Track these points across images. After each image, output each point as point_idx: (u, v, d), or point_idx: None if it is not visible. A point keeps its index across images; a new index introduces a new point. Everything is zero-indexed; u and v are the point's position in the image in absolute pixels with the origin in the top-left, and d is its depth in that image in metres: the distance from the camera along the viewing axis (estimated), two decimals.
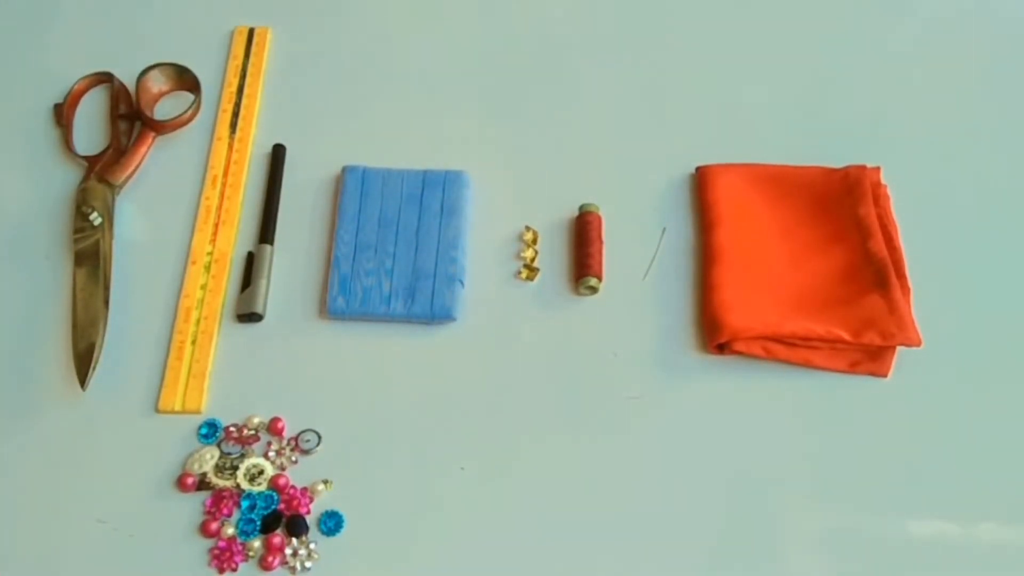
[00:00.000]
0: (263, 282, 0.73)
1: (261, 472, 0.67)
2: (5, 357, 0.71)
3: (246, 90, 0.82)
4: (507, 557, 0.64)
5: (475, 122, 0.81)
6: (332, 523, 0.65)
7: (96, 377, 0.69)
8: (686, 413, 0.69)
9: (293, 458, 0.68)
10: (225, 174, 0.79)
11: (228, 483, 0.67)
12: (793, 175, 0.77)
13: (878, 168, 0.77)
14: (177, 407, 0.69)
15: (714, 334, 0.70)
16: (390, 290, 0.72)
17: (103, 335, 0.70)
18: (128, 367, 0.70)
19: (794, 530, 0.65)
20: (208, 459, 0.67)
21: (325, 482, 0.67)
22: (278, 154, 0.79)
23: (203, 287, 0.74)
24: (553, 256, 0.75)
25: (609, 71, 0.84)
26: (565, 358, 0.71)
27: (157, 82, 0.82)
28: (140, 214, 0.77)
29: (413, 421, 0.69)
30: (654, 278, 0.74)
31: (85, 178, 0.77)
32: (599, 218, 0.75)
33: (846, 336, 0.69)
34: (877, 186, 0.76)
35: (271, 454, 0.68)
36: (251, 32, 0.85)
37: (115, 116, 0.80)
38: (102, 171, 0.77)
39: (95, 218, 0.75)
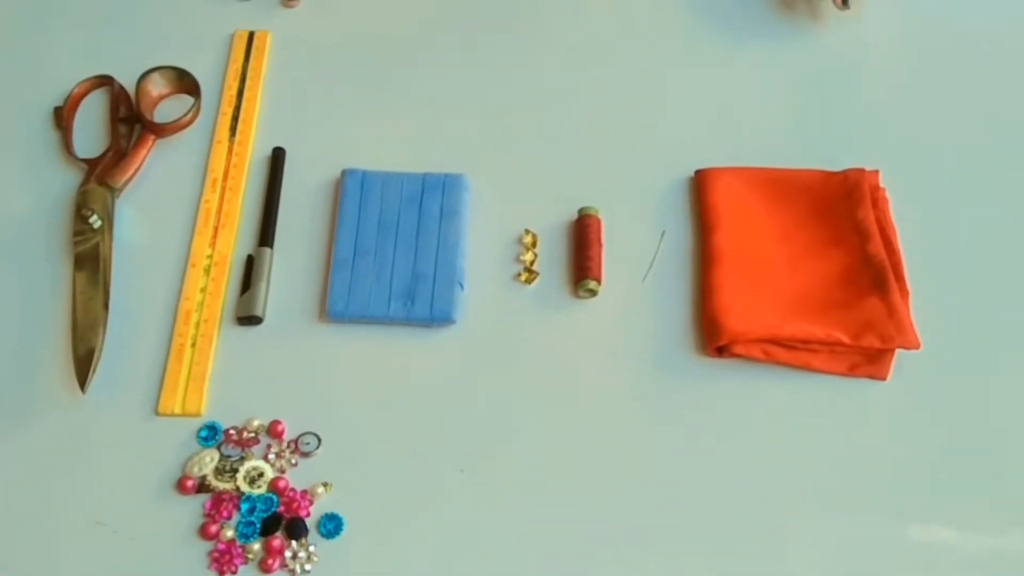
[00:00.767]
0: (263, 285, 0.73)
1: (261, 475, 0.67)
2: (5, 360, 0.71)
3: (246, 93, 0.83)
4: (507, 559, 0.64)
5: (474, 125, 0.82)
6: (332, 526, 0.65)
7: (96, 380, 0.69)
8: (685, 416, 0.69)
9: (293, 461, 0.68)
10: (225, 177, 0.79)
11: (228, 486, 0.67)
12: (792, 178, 0.77)
13: (877, 171, 0.77)
14: (177, 410, 0.69)
15: (713, 337, 0.70)
16: (390, 293, 0.72)
17: (103, 338, 0.70)
18: (128, 370, 0.71)
19: (793, 533, 0.65)
20: (208, 462, 0.67)
21: (325, 485, 0.67)
22: (278, 157, 0.79)
23: (203, 290, 0.74)
24: (552, 259, 0.75)
25: (609, 73, 0.84)
26: (564, 361, 0.71)
27: (157, 85, 0.82)
28: (140, 217, 0.78)
29: (413, 423, 0.69)
30: (653, 281, 0.74)
31: (85, 181, 0.77)
32: (598, 221, 0.75)
33: (845, 339, 0.69)
34: (876, 189, 0.76)
35: (271, 457, 0.68)
36: (251, 35, 0.86)
37: (115, 119, 0.80)
38: (102, 174, 0.77)
39: (95, 221, 0.75)
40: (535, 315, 0.73)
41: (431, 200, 0.76)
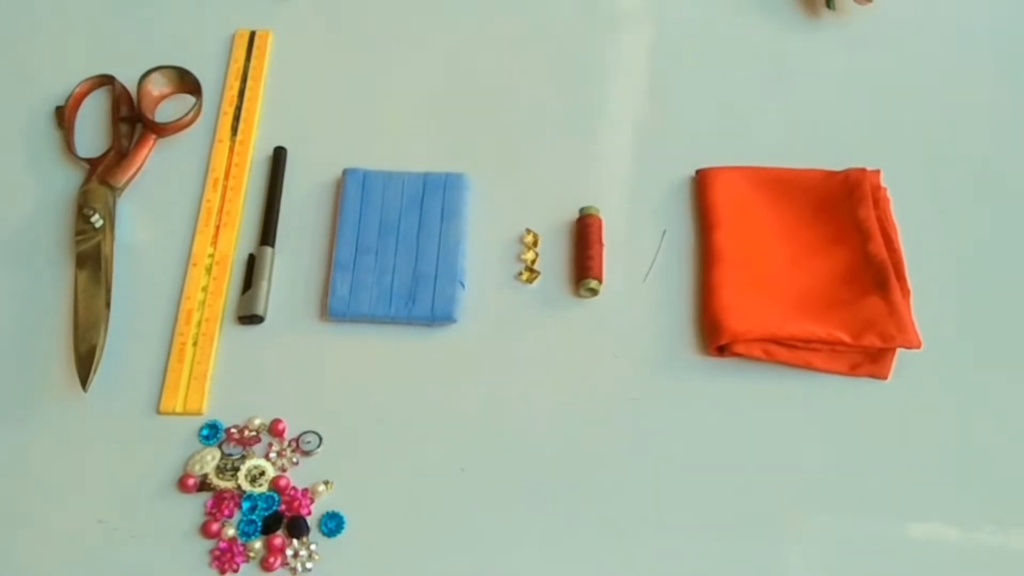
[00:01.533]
0: (264, 284, 0.73)
1: (262, 473, 0.67)
2: (7, 359, 0.71)
3: (247, 93, 0.83)
4: (507, 557, 0.64)
5: (476, 125, 0.82)
6: (333, 524, 0.65)
7: (97, 379, 0.69)
8: (686, 415, 0.69)
9: (294, 459, 0.68)
10: (226, 176, 0.79)
11: (229, 484, 0.67)
12: (793, 177, 0.78)
13: (878, 171, 0.77)
14: (178, 408, 0.69)
15: (714, 336, 0.70)
16: (391, 292, 0.72)
17: (104, 337, 0.70)
18: (129, 369, 0.71)
19: (793, 532, 0.65)
20: (209, 460, 0.67)
21: (326, 483, 0.67)
22: (279, 157, 0.79)
23: (204, 289, 0.74)
24: (554, 258, 0.75)
25: (609, 73, 0.84)
26: (565, 360, 0.71)
27: (158, 85, 0.82)
28: (141, 216, 0.78)
29: (414, 422, 0.69)
30: (654, 280, 0.74)
31: (86, 180, 0.77)
32: (599, 220, 0.75)
33: (846, 338, 0.69)
34: (877, 189, 0.76)
35: (272, 455, 0.68)
36: (252, 35, 0.86)
37: (116, 119, 0.81)
38: (103, 173, 0.77)
39: (96, 220, 0.75)
40: (536, 314, 0.73)
41: (432, 199, 0.76)
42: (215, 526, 0.65)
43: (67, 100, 0.81)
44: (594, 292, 0.73)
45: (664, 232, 0.76)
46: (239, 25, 0.86)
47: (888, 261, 0.72)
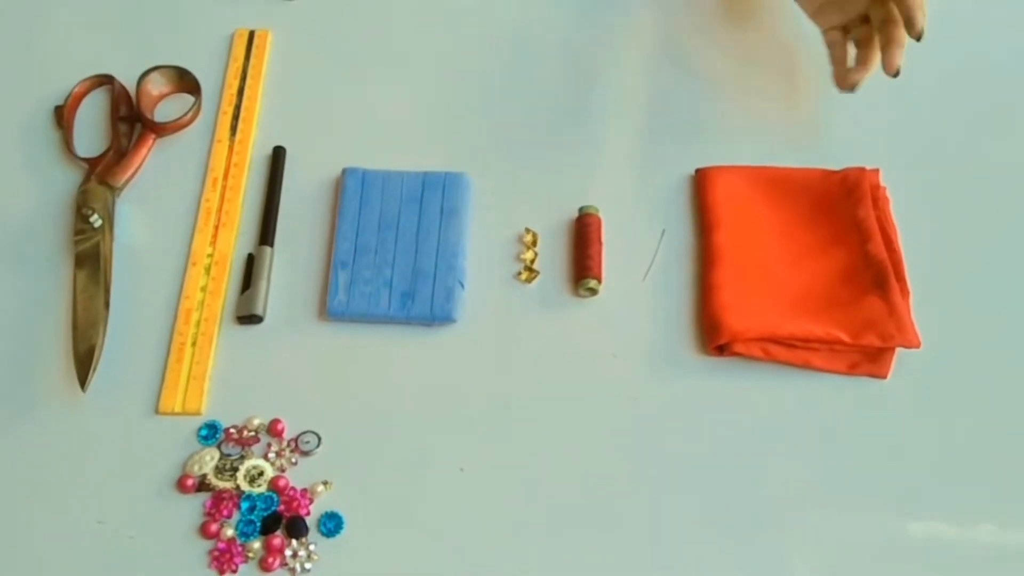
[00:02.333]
0: (263, 284, 0.73)
1: (261, 473, 0.67)
2: (5, 359, 0.71)
3: (246, 92, 0.83)
4: (507, 557, 0.65)
5: (475, 124, 0.82)
6: (332, 524, 0.65)
7: (96, 379, 0.69)
8: (686, 414, 0.69)
9: (293, 459, 0.68)
10: (225, 176, 0.79)
11: (228, 484, 0.67)
12: (792, 177, 0.77)
13: (877, 170, 0.77)
14: (177, 408, 0.69)
15: (714, 336, 0.70)
16: (390, 292, 0.72)
17: (103, 337, 0.70)
18: (128, 369, 0.71)
19: (793, 531, 0.65)
20: (208, 460, 0.67)
21: (325, 483, 0.67)
22: (278, 156, 0.79)
23: (203, 289, 0.74)
24: (553, 258, 0.75)
25: (609, 72, 0.84)
26: (565, 359, 0.71)
27: (157, 84, 0.82)
28: (140, 216, 0.78)
29: (413, 422, 0.69)
30: (653, 280, 0.74)
31: (85, 180, 0.77)
32: (599, 220, 0.75)
33: (845, 338, 0.69)
34: (876, 188, 0.76)
35: (271, 455, 0.68)
36: (251, 34, 0.86)
37: (115, 118, 0.80)
38: (102, 173, 0.77)
39: (95, 220, 0.75)
40: (535, 314, 0.73)
41: (431, 199, 0.76)
42: (214, 526, 0.65)
43: (66, 100, 0.81)
44: (593, 292, 0.73)
45: (663, 231, 0.76)
46: (238, 24, 0.86)
47: (887, 261, 0.72)
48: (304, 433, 0.69)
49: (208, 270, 0.75)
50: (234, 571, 0.64)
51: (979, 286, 0.74)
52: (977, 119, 0.82)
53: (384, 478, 0.67)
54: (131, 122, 0.81)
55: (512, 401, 0.70)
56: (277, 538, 0.65)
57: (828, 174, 0.77)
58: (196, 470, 0.67)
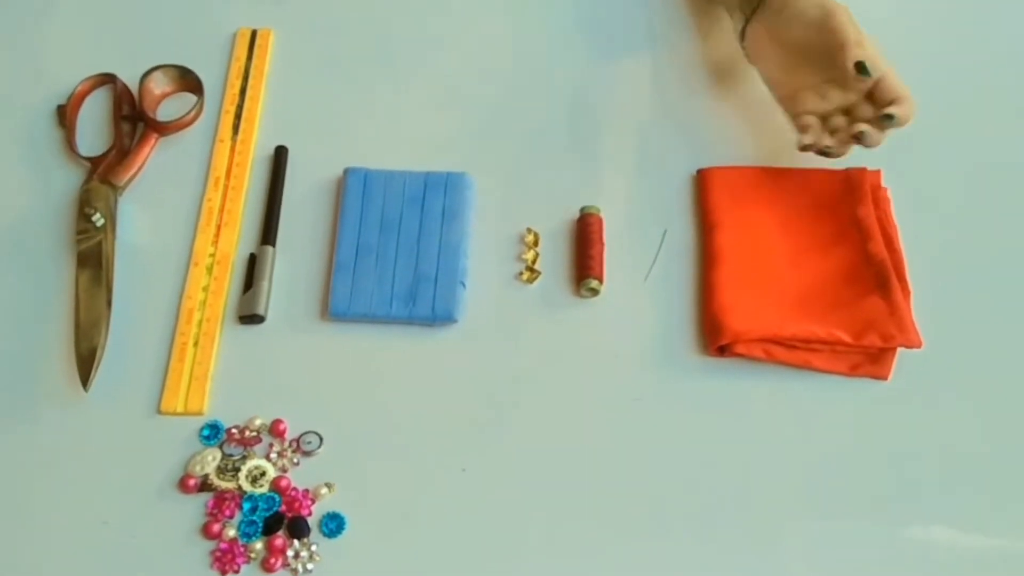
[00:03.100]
0: (265, 284, 0.73)
1: (263, 474, 0.67)
2: (7, 358, 0.72)
3: (248, 92, 0.83)
4: (508, 557, 0.65)
5: (477, 124, 0.82)
6: (334, 525, 0.65)
7: (98, 378, 0.69)
8: (687, 415, 0.69)
9: (295, 460, 0.68)
10: (227, 176, 0.79)
11: (230, 485, 0.67)
12: (793, 177, 0.77)
13: (878, 170, 0.77)
14: (179, 409, 0.69)
15: (715, 336, 0.70)
16: (392, 292, 0.72)
17: (105, 336, 0.70)
18: (130, 368, 0.71)
19: (793, 532, 0.65)
20: (210, 461, 0.67)
21: (328, 486, 0.67)
22: (280, 156, 0.79)
23: (205, 289, 0.74)
24: (554, 258, 0.75)
25: (610, 73, 0.84)
26: (566, 360, 0.71)
27: (160, 83, 0.82)
28: (142, 215, 0.78)
29: (415, 423, 0.69)
30: (655, 280, 0.74)
31: (88, 179, 0.77)
32: (600, 220, 0.75)
33: (847, 338, 0.69)
34: (877, 188, 0.76)
35: (273, 456, 0.68)
36: (254, 34, 0.86)
37: (118, 117, 0.80)
38: (105, 172, 0.78)
39: (98, 219, 0.75)
40: (537, 314, 0.73)
41: (433, 199, 0.76)
42: (216, 527, 0.65)
43: (68, 99, 0.81)
44: (595, 292, 0.73)
45: (665, 232, 0.76)
46: (241, 24, 0.86)
47: (888, 261, 0.72)
48: (306, 433, 0.69)
49: (210, 270, 0.75)
50: (236, 571, 0.64)
51: (980, 286, 0.74)
52: (977, 119, 0.82)
53: (386, 478, 0.67)
54: (133, 121, 0.81)
55: (514, 401, 0.70)
56: (279, 538, 0.65)
57: (829, 174, 0.77)
58: (198, 470, 0.67)
